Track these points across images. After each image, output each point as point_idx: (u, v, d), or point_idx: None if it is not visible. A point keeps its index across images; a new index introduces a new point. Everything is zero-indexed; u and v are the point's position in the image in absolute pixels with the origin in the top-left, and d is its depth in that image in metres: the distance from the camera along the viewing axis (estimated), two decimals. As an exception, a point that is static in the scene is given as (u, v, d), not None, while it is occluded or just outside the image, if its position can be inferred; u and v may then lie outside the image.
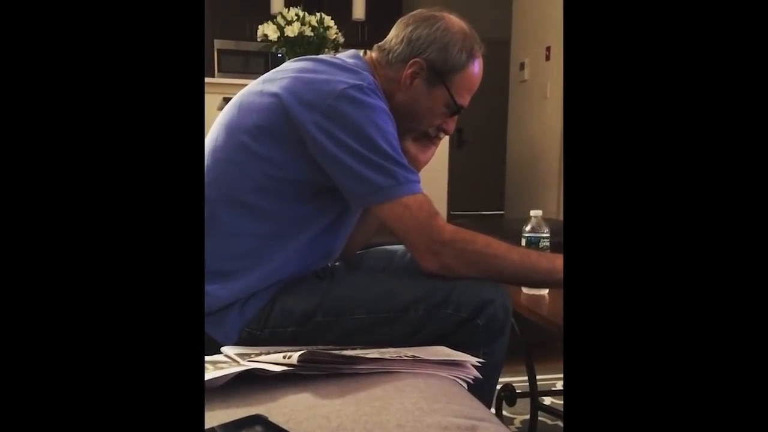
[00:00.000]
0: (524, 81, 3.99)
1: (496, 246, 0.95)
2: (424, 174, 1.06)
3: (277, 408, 0.64)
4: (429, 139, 1.09)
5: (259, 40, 2.93)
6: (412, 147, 1.07)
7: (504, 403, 1.52)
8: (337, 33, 2.94)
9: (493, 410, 1.48)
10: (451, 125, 1.07)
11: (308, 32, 2.80)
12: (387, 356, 0.77)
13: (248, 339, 0.94)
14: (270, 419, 0.59)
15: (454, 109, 1.04)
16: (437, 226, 0.93)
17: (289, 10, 2.89)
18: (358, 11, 3.52)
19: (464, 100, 1.05)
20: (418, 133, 1.07)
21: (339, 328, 0.94)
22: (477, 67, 1.03)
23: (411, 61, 1.00)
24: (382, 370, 0.74)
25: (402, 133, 1.01)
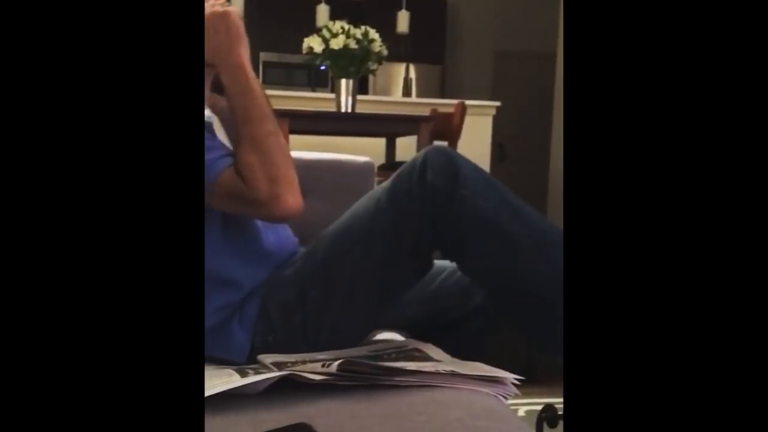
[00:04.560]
0: (568, 95, 3.95)
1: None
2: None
3: (319, 417, 0.64)
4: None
5: (304, 52, 2.97)
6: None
7: (545, 425, 1.49)
8: (381, 46, 2.96)
9: None
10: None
11: (353, 45, 2.83)
12: (426, 369, 0.77)
13: (263, 348, 0.91)
14: (314, 428, 0.60)
15: None
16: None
17: (334, 23, 2.93)
18: (402, 25, 3.55)
19: None
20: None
21: (323, 259, 0.93)
22: None
23: None
24: (421, 384, 0.74)
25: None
